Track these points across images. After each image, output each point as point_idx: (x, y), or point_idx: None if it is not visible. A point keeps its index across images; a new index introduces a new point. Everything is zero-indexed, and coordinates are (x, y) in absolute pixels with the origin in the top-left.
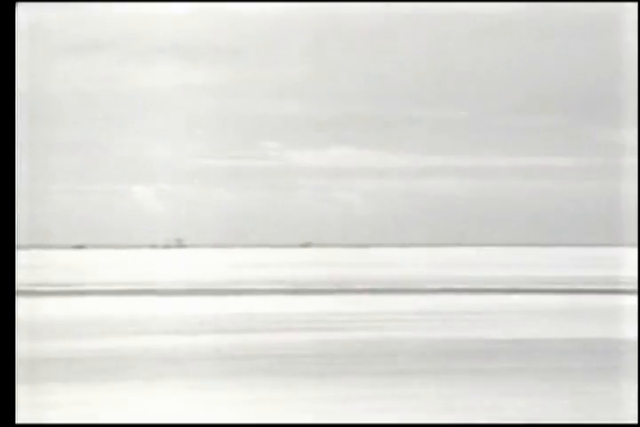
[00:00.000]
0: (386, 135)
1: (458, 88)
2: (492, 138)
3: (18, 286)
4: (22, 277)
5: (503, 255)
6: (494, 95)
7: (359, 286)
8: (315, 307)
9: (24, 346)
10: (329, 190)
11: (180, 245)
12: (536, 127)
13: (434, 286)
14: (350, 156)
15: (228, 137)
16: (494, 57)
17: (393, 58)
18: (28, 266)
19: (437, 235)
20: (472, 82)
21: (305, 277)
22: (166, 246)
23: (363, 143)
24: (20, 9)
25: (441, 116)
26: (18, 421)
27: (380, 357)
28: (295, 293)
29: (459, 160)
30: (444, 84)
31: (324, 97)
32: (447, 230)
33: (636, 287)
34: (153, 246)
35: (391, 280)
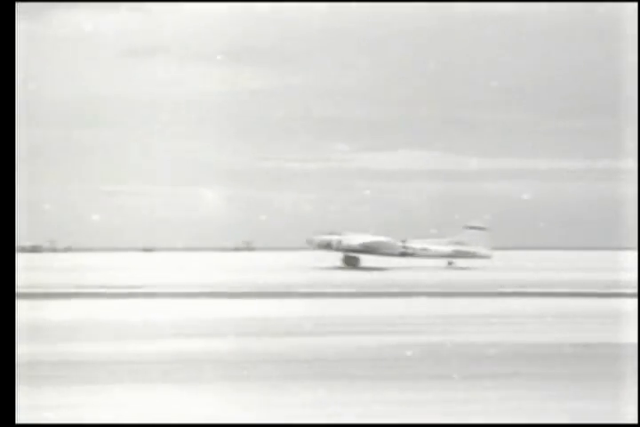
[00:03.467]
0: (455, 138)
1: (522, 90)
2: (558, 140)
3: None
4: (111, 280)
5: (567, 259)
6: (557, 97)
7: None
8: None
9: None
10: (396, 192)
11: (249, 247)
12: (599, 130)
13: (506, 290)
14: (419, 158)
15: (294, 140)
16: (544, 58)
17: (453, 60)
18: (107, 268)
19: (503, 237)
20: (534, 83)
21: (373, 280)
22: (236, 249)
23: (432, 146)
24: (79, 12)
25: (507, 118)
26: (18, 421)
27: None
28: (369, 296)
29: (526, 162)
30: (509, 86)
31: (392, 100)
32: (513, 233)
33: None
34: (223, 249)
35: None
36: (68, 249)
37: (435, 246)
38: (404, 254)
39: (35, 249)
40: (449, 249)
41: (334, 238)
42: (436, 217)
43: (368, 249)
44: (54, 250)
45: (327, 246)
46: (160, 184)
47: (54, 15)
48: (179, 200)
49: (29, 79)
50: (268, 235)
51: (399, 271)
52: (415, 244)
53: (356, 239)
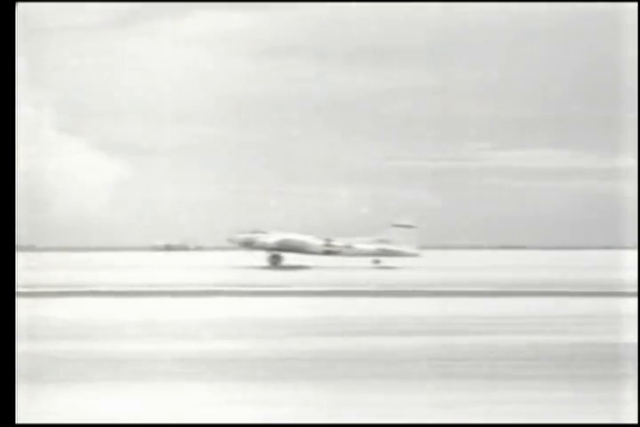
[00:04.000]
0: (596, 136)
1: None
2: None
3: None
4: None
5: None
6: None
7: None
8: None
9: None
10: (531, 191)
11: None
12: None
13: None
14: (556, 156)
15: (431, 138)
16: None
17: (589, 56)
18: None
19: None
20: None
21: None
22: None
23: (568, 144)
24: (209, 13)
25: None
26: (18, 421)
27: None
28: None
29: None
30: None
31: (528, 98)
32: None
33: None
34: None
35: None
36: (199, 248)
37: (359, 245)
38: (327, 253)
39: (168, 248)
40: (374, 247)
41: (254, 237)
42: (571, 215)
43: (285, 247)
44: (186, 249)
45: (248, 245)
46: (292, 183)
47: (192, 15)
48: (310, 199)
49: (167, 79)
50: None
51: (324, 270)
52: (339, 242)
53: (271, 237)
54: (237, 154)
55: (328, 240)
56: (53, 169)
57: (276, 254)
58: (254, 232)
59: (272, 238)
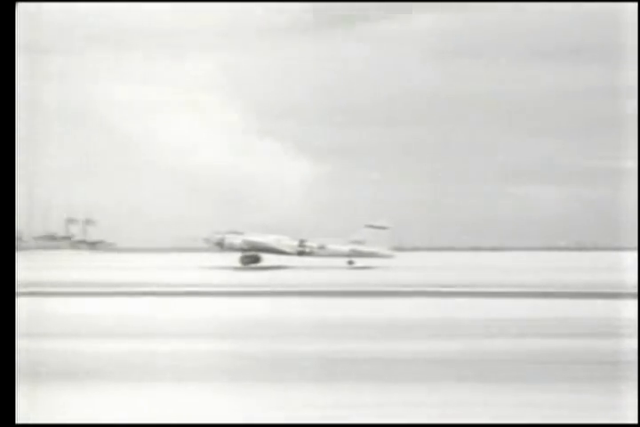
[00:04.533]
0: None
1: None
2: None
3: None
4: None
5: None
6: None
7: None
8: None
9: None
10: None
11: (579, 246)
12: None
13: None
14: None
15: (616, 138)
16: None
17: None
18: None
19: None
20: None
21: None
22: (563, 249)
23: None
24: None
25: None
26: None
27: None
28: None
29: None
30: None
31: None
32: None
33: None
34: (548, 249)
35: None
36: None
37: (333, 245)
38: (301, 253)
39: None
40: (347, 248)
41: (224, 238)
42: None
43: (251, 248)
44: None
45: (219, 245)
46: (480, 183)
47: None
48: (509, 200)
49: (364, 80)
50: (599, 234)
51: (297, 271)
52: (312, 242)
53: (238, 238)
54: (438, 153)
55: (302, 241)
56: (253, 170)
57: (248, 255)
58: (229, 233)
59: (238, 239)
